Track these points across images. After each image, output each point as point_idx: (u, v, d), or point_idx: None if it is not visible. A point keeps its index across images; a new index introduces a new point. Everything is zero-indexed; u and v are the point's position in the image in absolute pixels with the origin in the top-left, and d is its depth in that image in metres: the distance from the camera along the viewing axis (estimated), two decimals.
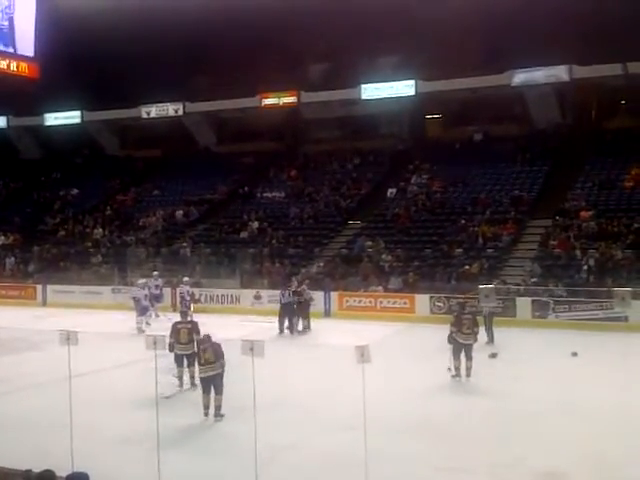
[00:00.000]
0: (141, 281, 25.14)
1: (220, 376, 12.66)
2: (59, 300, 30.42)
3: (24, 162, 46.49)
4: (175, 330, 15.03)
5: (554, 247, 27.29)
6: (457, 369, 15.55)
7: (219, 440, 11.42)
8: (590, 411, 12.74)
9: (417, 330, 22.20)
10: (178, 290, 25.63)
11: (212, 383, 12.63)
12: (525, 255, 27.70)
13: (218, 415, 12.62)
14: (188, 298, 24.58)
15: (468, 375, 15.53)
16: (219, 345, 13.27)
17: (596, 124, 35.67)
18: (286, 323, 22.97)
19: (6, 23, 28.69)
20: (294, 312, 23.09)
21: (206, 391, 12.82)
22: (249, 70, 37.93)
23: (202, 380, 13.02)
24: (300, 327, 23.16)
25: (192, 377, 14.74)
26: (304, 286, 24.03)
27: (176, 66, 38.25)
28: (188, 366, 14.84)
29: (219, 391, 12.62)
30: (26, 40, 29.29)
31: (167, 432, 9.69)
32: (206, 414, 12.60)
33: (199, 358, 13.44)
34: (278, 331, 22.65)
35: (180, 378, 14.85)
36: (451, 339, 15.72)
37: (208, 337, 13.62)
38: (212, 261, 31.59)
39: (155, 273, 27.30)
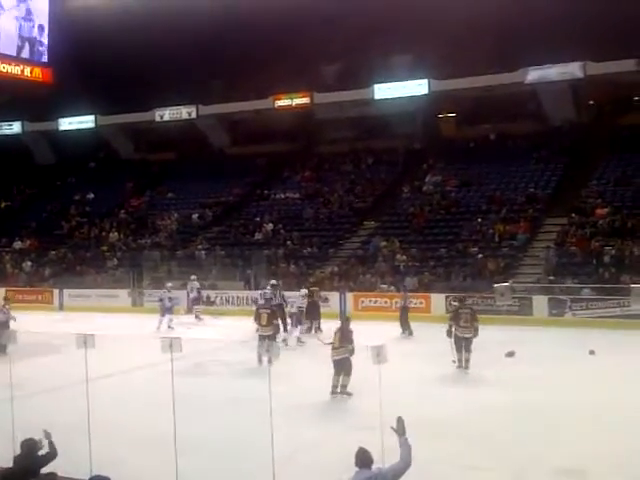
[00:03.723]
0: (169, 284, 26.30)
1: (347, 360, 13.73)
2: (76, 304, 30.61)
3: (39, 167, 46.78)
4: (257, 314, 17.83)
5: (570, 245, 27.16)
6: (460, 361, 16.26)
7: (236, 441, 11.41)
8: (608, 410, 12.63)
9: (433, 330, 22.09)
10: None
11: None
12: (541, 253, 27.58)
13: (344, 393, 13.69)
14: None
15: (466, 367, 16.19)
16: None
17: (611, 120, 35.42)
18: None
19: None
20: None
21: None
22: (262, 72, 38.00)
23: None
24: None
25: (270, 355, 15.76)
26: (314, 288, 24.22)
27: (189, 69, 38.35)
28: (267, 346, 15.89)
29: (347, 373, 13.91)
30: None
31: (185, 435, 9.68)
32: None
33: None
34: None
35: (260, 356, 15.96)
36: (449, 333, 16.44)
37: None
38: (227, 263, 31.65)
39: (193, 277, 27.89)
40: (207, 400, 13.83)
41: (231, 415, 12.79)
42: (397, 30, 34.00)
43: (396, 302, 26.00)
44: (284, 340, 20.10)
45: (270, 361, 16.36)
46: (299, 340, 20.74)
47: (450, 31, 32.78)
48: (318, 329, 22.99)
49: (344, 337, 13.99)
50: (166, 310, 24.93)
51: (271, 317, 17.53)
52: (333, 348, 14.06)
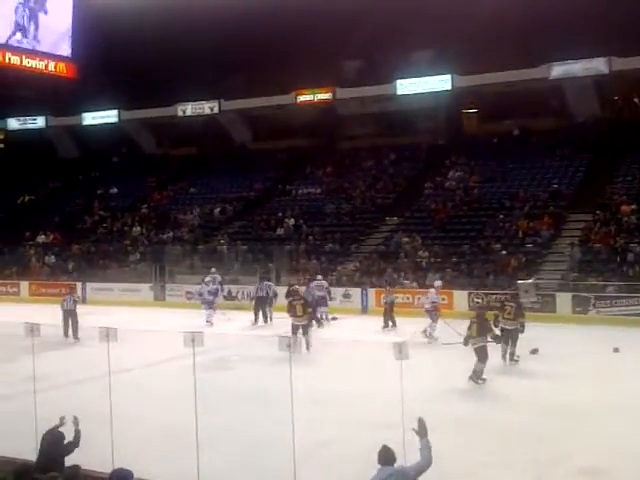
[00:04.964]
0: (207, 278, 26.34)
1: (485, 347, 14.79)
2: (98, 297, 30.77)
3: (63, 161, 47.04)
4: (291, 306, 19.12)
5: (595, 242, 26.89)
6: (504, 351, 16.56)
7: (257, 436, 11.40)
8: (632, 408, 12.48)
9: (455, 326, 21.96)
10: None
11: None
12: (565, 250, 27.32)
13: (479, 379, 14.58)
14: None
15: (511, 360, 16.51)
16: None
17: (636, 116, 35.00)
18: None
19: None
20: (267, 304, 24.64)
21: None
22: (284, 67, 37.97)
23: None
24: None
25: (307, 343, 17.73)
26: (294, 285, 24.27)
27: (211, 64, 38.39)
28: (303, 334, 18.06)
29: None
30: (64, 41, 29.56)
31: (207, 429, 9.66)
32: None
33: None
34: (253, 321, 24.41)
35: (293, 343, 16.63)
36: (496, 322, 16.79)
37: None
38: (249, 258, 31.68)
39: (213, 270, 27.76)
40: (229, 394, 13.83)
41: (252, 409, 12.78)
42: (420, 25, 33.78)
43: (418, 298, 25.95)
44: (424, 331, 19.98)
45: (308, 347, 17.55)
46: (430, 335, 20.17)
47: (473, 26, 32.51)
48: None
49: (482, 327, 14.86)
50: (207, 304, 24.86)
51: (305, 307, 18.95)
52: (471, 337, 14.83)
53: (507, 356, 16.50)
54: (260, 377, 15.32)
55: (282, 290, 27.62)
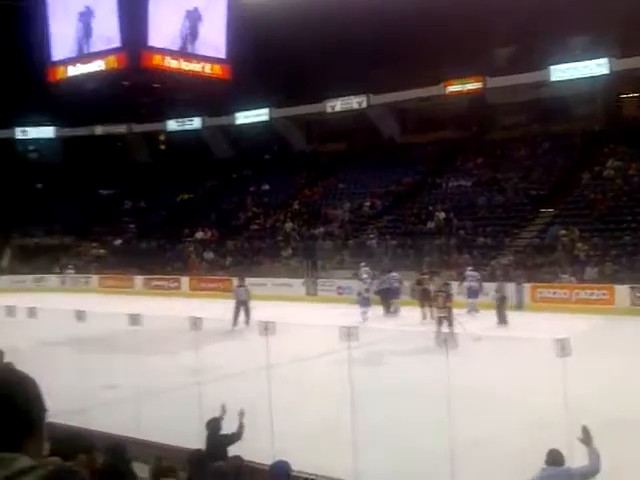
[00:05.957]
0: (364, 275, 26.79)
1: None
2: (253, 292, 31.55)
3: (217, 161, 48.70)
4: (435, 296, 20.27)
5: None
6: None
7: (412, 430, 11.32)
8: None
9: (618, 323, 20.98)
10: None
11: None
12: None
13: None
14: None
15: None
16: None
17: None
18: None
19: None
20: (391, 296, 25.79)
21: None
22: (431, 58, 37.50)
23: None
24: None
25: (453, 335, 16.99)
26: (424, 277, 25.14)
27: (358, 59, 38.51)
28: (449, 326, 18.47)
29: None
30: (218, 43, 30.60)
31: (362, 424, 9.69)
32: None
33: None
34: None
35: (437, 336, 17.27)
36: None
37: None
38: (399, 253, 31.60)
39: (363, 264, 28.34)
40: (383, 389, 13.80)
41: (407, 405, 12.70)
42: (574, 9, 32.44)
43: (576, 293, 25.01)
44: None
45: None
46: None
47: (631, 6, 30.89)
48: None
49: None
50: (364, 301, 24.71)
51: (446, 300, 19.43)
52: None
53: None
54: (413, 372, 15.23)
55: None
